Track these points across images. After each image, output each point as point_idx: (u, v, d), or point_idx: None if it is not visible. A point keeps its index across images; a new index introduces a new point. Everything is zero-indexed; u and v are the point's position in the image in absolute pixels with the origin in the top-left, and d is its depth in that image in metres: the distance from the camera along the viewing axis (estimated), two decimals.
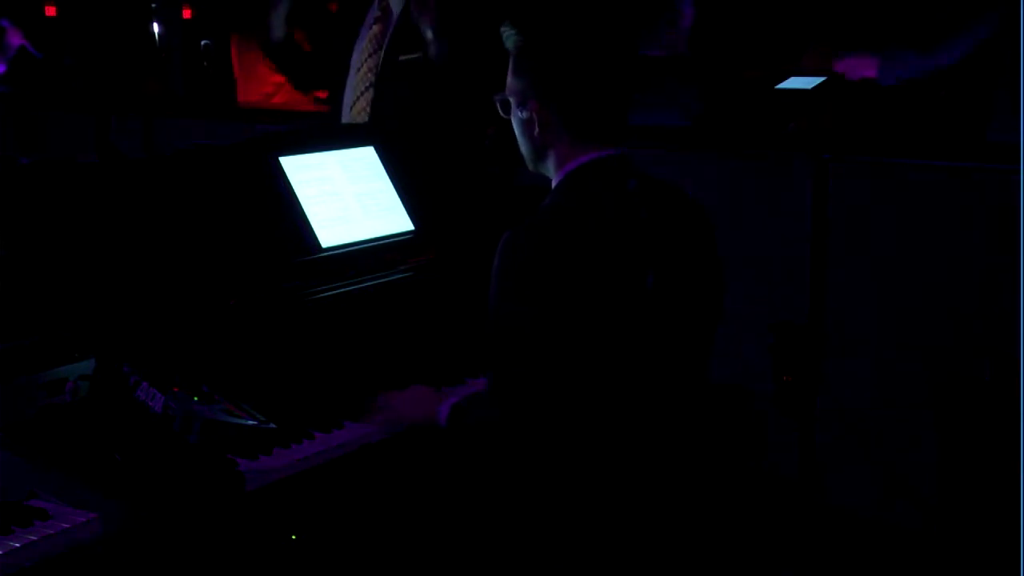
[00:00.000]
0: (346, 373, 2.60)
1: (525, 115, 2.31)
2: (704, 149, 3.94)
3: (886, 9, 4.32)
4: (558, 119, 2.28)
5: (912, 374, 3.35)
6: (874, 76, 4.27)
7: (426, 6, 3.58)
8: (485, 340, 2.29)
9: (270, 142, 2.83)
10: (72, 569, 1.94)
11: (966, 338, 3.29)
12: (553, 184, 2.33)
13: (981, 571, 3.20)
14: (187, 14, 7.06)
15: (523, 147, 2.36)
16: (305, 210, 2.75)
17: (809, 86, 4.40)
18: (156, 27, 6.87)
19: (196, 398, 2.17)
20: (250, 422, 2.21)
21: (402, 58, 3.71)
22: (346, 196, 2.87)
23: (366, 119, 3.72)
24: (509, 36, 2.30)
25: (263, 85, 5.88)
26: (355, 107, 3.79)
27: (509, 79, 2.33)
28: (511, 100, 2.33)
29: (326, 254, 2.75)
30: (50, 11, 6.95)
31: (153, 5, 6.95)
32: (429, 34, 3.54)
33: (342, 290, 2.69)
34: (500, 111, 2.37)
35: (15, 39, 6.11)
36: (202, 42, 6.82)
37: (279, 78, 5.90)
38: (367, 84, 3.77)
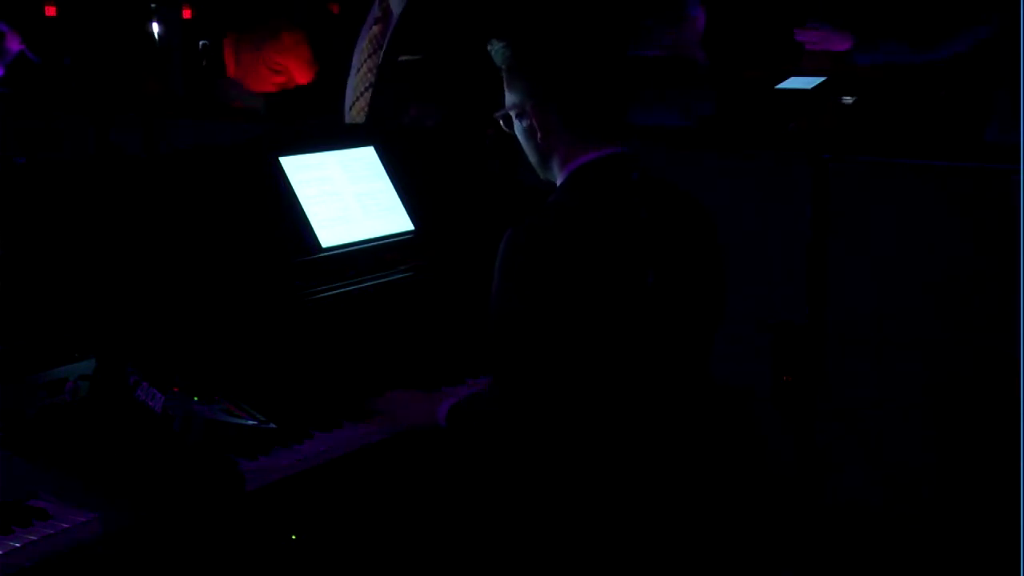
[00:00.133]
0: (346, 373, 2.60)
1: (526, 123, 2.34)
2: (704, 149, 3.94)
3: (886, 9, 4.32)
4: (558, 118, 2.30)
5: (912, 374, 3.35)
6: (846, 49, 4.28)
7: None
8: (487, 338, 2.30)
9: (270, 142, 2.84)
10: (72, 569, 1.94)
11: (966, 338, 3.29)
12: (558, 184, 2.35)
13: (981, 570, 3.20)
14: (187, 14, 7.06)
15: (530, 157, 2.39)
16: (305, 210, 2.75)
17: (809, 86, 4.41)
18: (156, 27, 6.87)
19: (196, 398, 2.17)
20: (250, 422, 2.21)
21: (402, 59, 3.71)
22: (346, 196, 2.86)
23: (365, 119, 3.72)
24: (497, 51, 2.34)
25: (265, 85, 5.88)
26: (355, 107, 3.80)
27: (506, 96, 2.37)
28: (511, 114, 2.37)
29: (326, 254, 2.75)
30: (50, 11, 6.95)
31: (153, 5, 6.95)
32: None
33: (342, 290, 2.69)
34: (503, 128, 2.40)
35: (14, 44, 6.11)
36: (200, 42, 6.82)
37: (281, 79, 5.91)
38: (367, 84, 3.77)
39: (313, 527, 2.36)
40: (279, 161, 2.76)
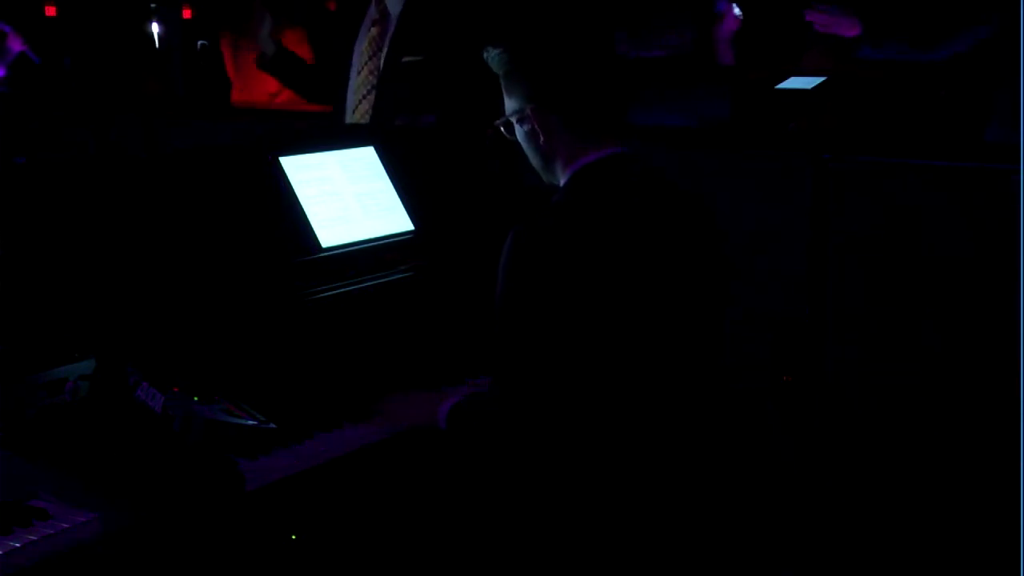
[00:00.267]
0: (346, 373, 2.60)
1: (527, 127, 2.34)
2: (704, 148, 3.93)
3: (886, 9, 4.32)
4: (558, 119, 2.30)
5: (912, 373, 3.35)
6: (854, 35, 4.27)
7: None
8: (489, 338, 2.30)
9: (270, 142, 2.84)
10: (72, 569, 1.94)
11: (965, 338, 3.29)
12: (561, 186, 2.35)
13: (981, 570, 3.20)
14: (187, 14, 7.05)
15: (533, 161, 2.39)
16: (305, 210, 2.75)
17: (809, 86, 4.41)
18: (156, 27, 6.86)
19: (196, 398, 2.17)
20: (250, 422, 2.21)
21: (405, 60, 3.71)
22: (346, 196, 2.87)
23: (367, 122, 3.72)
24: (493, 57, 2.34)
25: (267, 85, 5.88)
26: (357, 110, 3.79)
27: (505, 102, 2.38)
28: (512, 120, 2.37)
29: (326, 254, 2.75)
30: (50, 11, 6.94)
31: (153, 5, 6.94)
32: None
33: (342, 290, 2.69)
34: (505, 134, 2.40)
35: (15, 45, 6.11)
36: (198, 42, 6.81)
37: None
38: (368, 87, 3.77)
39: (313, 527, 2.36)
40: (279, 161, 2.76)
